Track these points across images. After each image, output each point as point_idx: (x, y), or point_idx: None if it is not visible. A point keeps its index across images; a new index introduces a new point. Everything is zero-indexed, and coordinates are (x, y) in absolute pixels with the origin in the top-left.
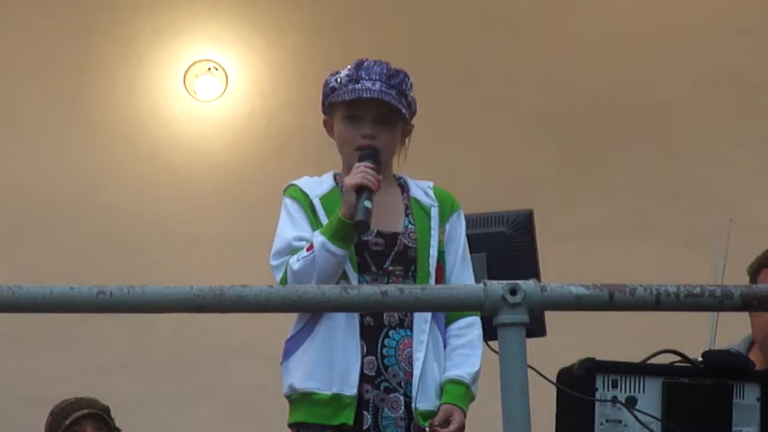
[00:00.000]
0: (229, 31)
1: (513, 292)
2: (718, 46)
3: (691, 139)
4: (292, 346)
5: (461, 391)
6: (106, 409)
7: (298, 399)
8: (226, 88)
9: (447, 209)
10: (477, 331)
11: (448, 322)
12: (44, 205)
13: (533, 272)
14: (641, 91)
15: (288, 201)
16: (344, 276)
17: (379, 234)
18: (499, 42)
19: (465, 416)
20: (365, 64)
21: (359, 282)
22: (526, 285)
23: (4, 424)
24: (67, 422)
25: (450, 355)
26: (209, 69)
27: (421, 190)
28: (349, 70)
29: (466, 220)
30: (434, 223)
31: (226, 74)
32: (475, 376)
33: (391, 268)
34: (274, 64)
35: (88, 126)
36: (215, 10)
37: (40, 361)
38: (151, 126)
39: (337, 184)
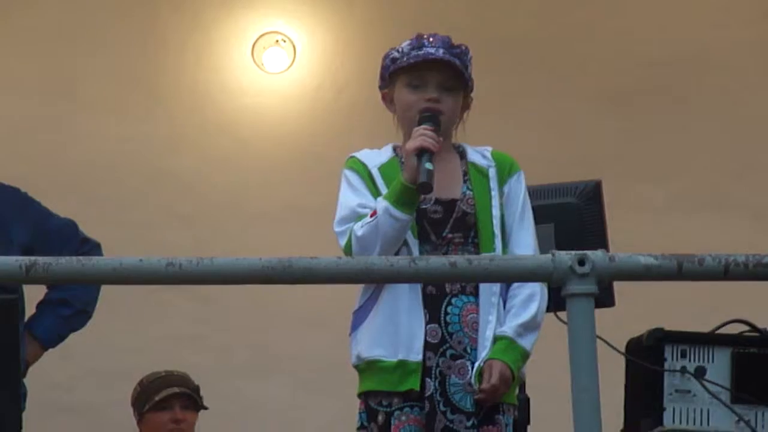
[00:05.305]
0: (297, 3)
1: (581, 262)
2: None
3: (761, 111)
4: (359, 317)
5: (503, 345)
6: (197, 389)
7: (365, 368)
8: (294, 61)
9: (505, 171)
10: (528, 290)
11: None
12: (113, 178)
13: (602, 242)
14: (712, 63)
15: (347, 172)
16: (405, 243)
17: (437, 201)
18: (568, 13)
19: (509, 368)
20: (426, 35)
21: (420, 250)
22: (595, 255)
23: (72, 395)
24: (157, 398)
25: (506, 316)
26: (277, 41)
27: (479, 153)
28: (410, 41)
29: (534, 191)
30: (493, 183)
31: (294, 46)
32: (521, 329)
33: (450, 235)
34: (342, 36)
35: (156, 99)
36: None
37: (109, 333)
38: (219, 98)
39: (396, 154)
